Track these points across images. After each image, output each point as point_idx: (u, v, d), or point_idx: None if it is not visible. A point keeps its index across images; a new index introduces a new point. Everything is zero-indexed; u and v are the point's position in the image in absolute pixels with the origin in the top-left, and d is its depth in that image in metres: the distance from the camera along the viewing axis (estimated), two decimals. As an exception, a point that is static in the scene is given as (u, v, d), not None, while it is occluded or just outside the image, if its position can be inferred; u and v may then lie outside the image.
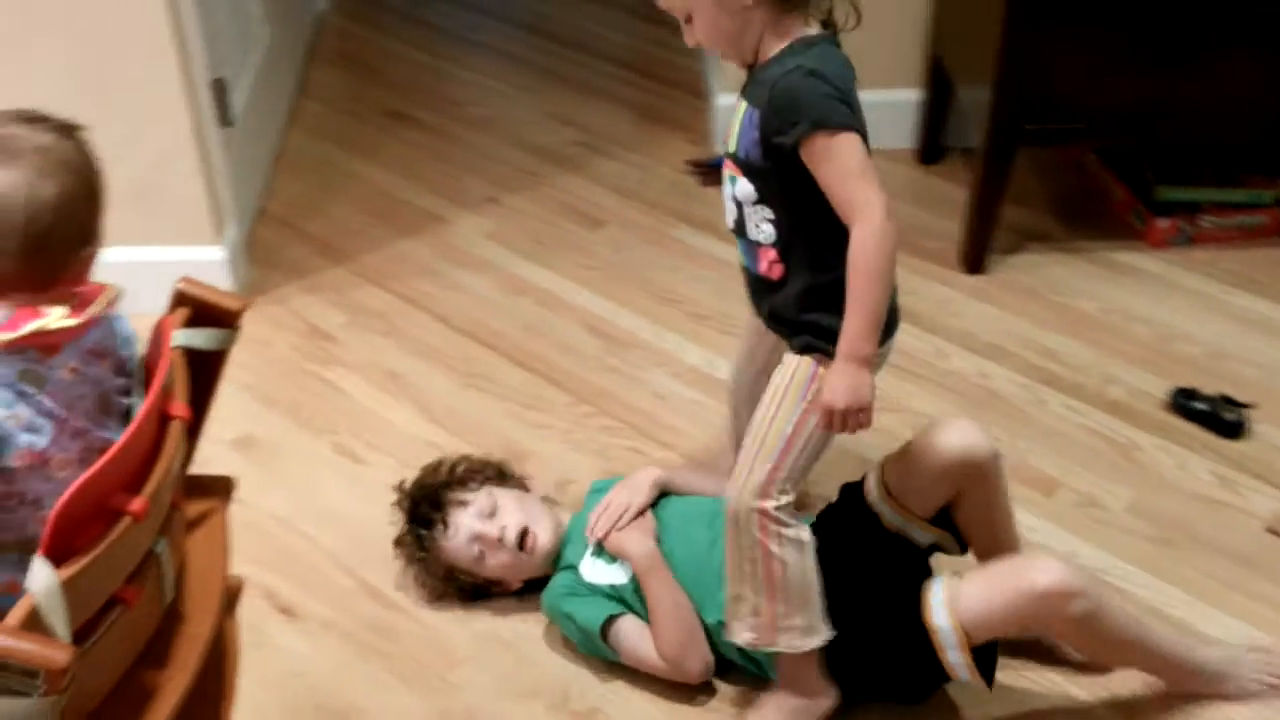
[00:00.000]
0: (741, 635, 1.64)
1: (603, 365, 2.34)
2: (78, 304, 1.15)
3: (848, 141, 1.40)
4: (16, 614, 0.96)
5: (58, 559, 1.00)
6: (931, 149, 2.89)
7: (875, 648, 1.65)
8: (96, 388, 1.18)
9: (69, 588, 0.99)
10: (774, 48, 1.45)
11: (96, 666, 1.07)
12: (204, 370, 1.27)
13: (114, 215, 2.27)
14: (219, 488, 1.35)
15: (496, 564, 1.83)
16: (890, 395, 2.25)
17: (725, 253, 2.60)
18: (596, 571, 1.80)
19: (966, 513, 1.74)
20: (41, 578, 0.98)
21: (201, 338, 1.24)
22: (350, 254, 2.62)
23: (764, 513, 1.54)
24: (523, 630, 1.85)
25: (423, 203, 2.79)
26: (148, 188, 2.32)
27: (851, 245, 1.42)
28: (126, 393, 1.21)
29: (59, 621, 0.98)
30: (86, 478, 1.01)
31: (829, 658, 1.67)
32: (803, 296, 1.53)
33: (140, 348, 1.24)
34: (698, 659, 1.73)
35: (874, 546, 1.73)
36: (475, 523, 1.82)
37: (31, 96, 2.16)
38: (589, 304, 2.49)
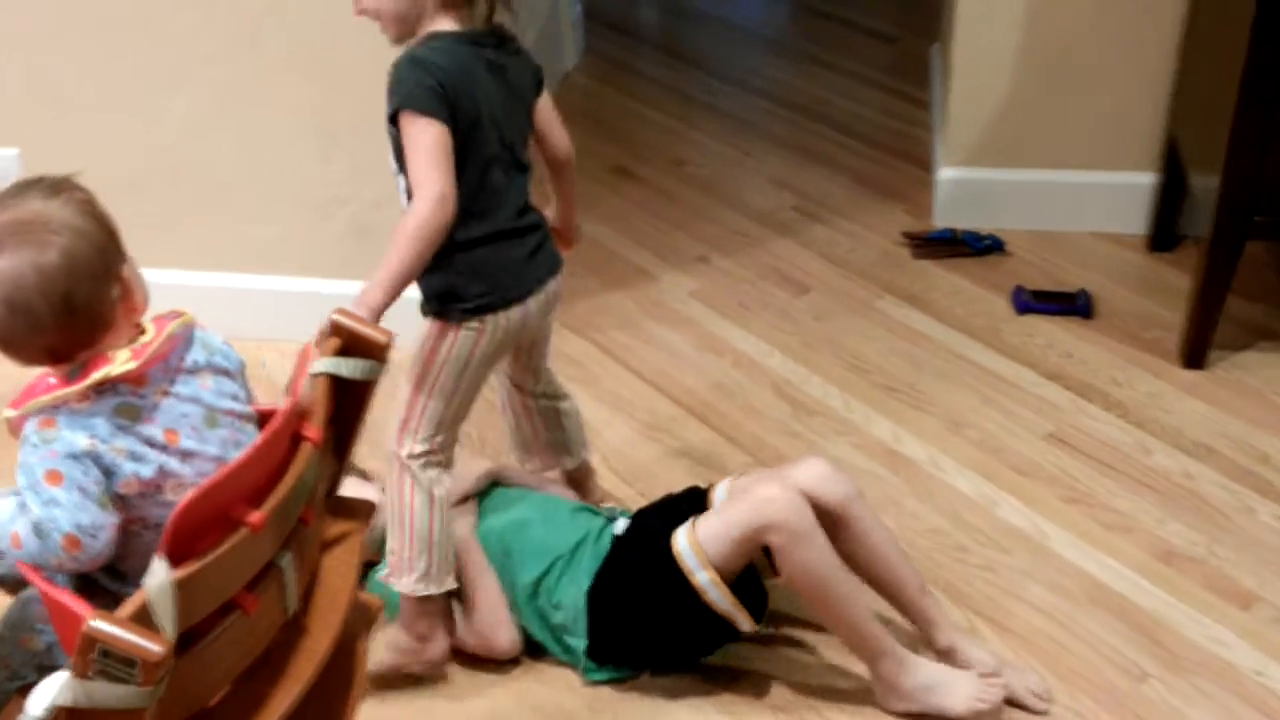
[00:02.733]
0: (381, 571, 1.82)
1: (786, 429, 2.33)
2: (140, 340, 1.23)
3: (425, 126, 1.56)
4: (128, 607, 1.04)
5: (175, 561, 1.07)
6: (1163, 236, 2.75)
7: (641, 596, 1.79)
8: (197, 405, 1.26)
9: (181, 588, 1.06)
10: (419, 35, 1.62)
11: (208, 667, 1.14)
12: (354, 398, 1.33)
13: (336, 248, 2.45)
14: (361, 511, 1.42)
15: None
16: (1082, 486, 2.15)
17: (927, 327, 2.57)
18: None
19: (845, 552, 1.77)
20: (157, 575, 1.06)
21: (347, 367, 1.30)
22: (557, 302, 2.71)
23: (397, 458, 1.75)
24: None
25: (634, 257, 2.85)
26: (369, 226, 2.46)
27: (405, 212, 1.58)
28: (235, 398, 1.30)
29: (167, 619, 1.05)
30: (204, 488, 1.09)
31: (624, 632, 1.81)
32: None
33: (274, 368, 1.32)
34: (505, 636, 1.86)
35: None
36: None
37: (263, 134, 2.38)
38: (781, 367, 2.49)
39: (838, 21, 3.98)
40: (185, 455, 1.24)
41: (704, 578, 1.73)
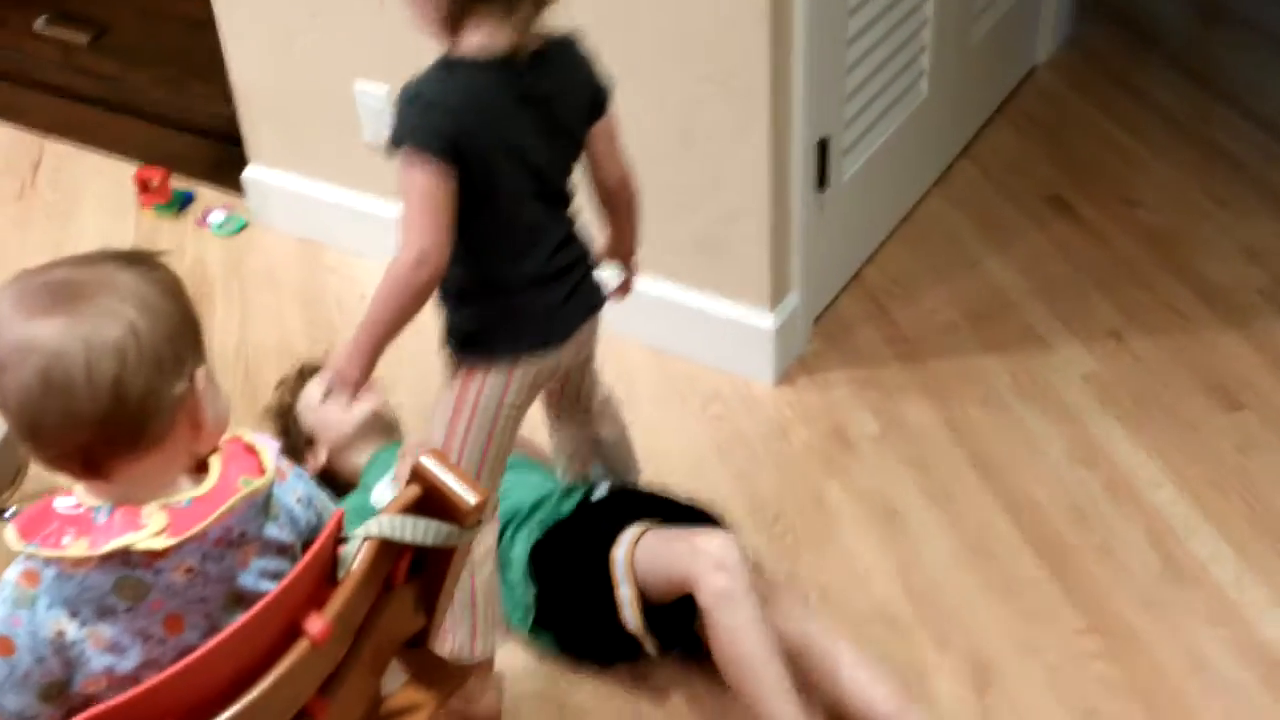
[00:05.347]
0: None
1: (1144, 596, 1.83)
2: (191, 491, 0.99)
3: (419, 173, 1.40)
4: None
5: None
6: None
7: (571, 578, 1.73)
8: (225, 585, 1.01)
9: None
10: (441, 48, 1.44)
11: None
12: (438, 553, 1.06)
13: (677, 256, 2.18)
14: (449, 681, 1.14)
15: (319, 415, 1.98)
16: None
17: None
18: (384, 499, 1.78)
19: (711, 641, 1.63)
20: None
21: (412, 529, 1.02)
22: (921, 353, 2.29)
23: None
24: None
25: (1030, 314, 2.37)
26: (712, 240, 2.17)
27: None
28: (278, 576, 1.03)
29: None
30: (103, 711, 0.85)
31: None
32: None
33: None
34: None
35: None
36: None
37: (630, 120, 2.12)
38: (1168, 506, 1.96)
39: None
40: (182, 650, 0.98)
41: (624, 593, 1.67)
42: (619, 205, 1.67)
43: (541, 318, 1.55)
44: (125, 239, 2.72)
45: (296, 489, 1.08)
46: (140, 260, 1.01)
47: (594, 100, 1.56)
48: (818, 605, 1.85)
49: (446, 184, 1.40)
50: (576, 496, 1.83)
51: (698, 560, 1.62)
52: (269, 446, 1.04)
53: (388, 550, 1.02)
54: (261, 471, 1.02)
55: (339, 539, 1.03)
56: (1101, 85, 3.07)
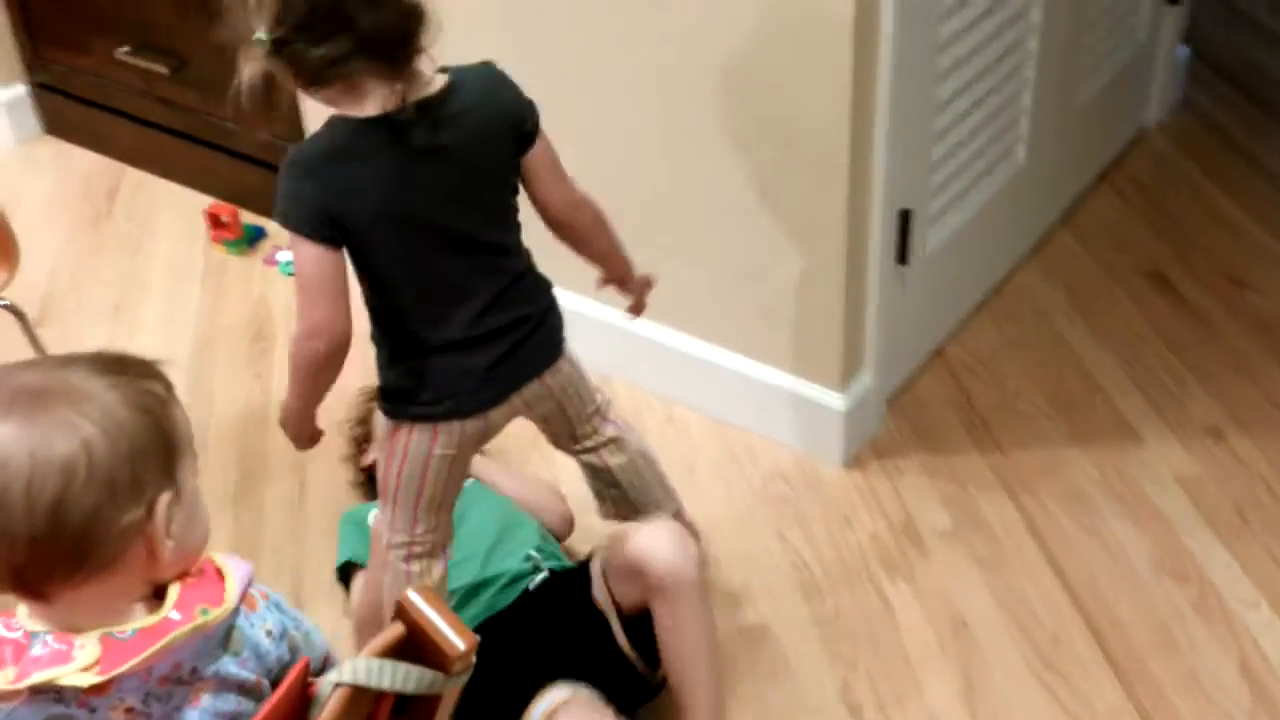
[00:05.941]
0: None
1: (1232, 731, 1.68)
2: (142, 619, 0.89)
3: (299, 249, 1.37)
4: None
5: None
6: None
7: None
8: None
9: None
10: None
11: None
12: (425, 704, 0.96)
13: (743, 325, 2.06)
14: None
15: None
16: None
17: None
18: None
19: (658, 630, 1.61)
20: None
21: (391, 674, 0.92)
22: (1001, 440, 2.15)
23: (380, 542, 1.60)
24: None
25: (1122, 403, 2.21)
26: (778, 309, 2.06)
27: None
28: (237, 717, 0.94)
29: None
30: None
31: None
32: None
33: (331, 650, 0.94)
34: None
35: (574, 615, 1.67)
36: None
37: (695, 187, 2.02)
38: (1266, 630, 1.80)
39: None
40: None
41: (599, 592, 1.65)
42: (579, 232, 1.58)
43: (461, 384, 1.48)
44: (193, 272, 2.69)
45: (267, 621, 0.98)
46: (125, 369, 0.93)
47: (516, 131, 1.46)
48: (870, 715, 1.72)
49: (328, 257, 1.37)
50: (521, 585, 1.74)
51: (642, 545, 1.60)
52: (237, 573, 0.95)
53: (363, 694, 0.93)
54: (222, 601, 0.92)
55: (308, 678, 0.94)
56: (1214, 152, 2.89)
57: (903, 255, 2.08)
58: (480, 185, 1.44)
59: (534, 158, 1.48)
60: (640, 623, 1.64)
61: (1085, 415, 2.19)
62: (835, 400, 2.07)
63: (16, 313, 1.87)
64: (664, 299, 2.17)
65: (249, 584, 0.96)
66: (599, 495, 1.72)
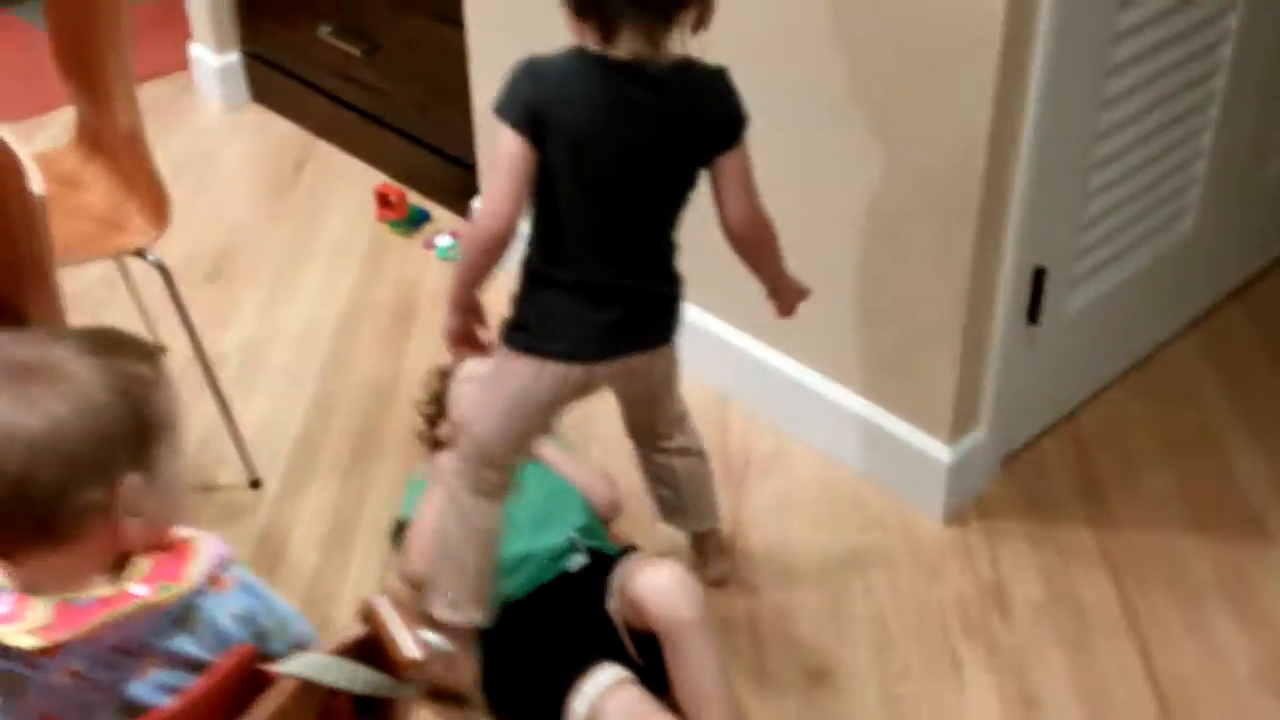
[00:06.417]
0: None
1: None
2: (108, 585, 0.92)
3: (504, 137, 1.47)
4: None
5: None
6: None
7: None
8: (113, 694, 0.94)
9: None
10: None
11: None
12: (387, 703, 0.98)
13: (861, 365, 2.04)
14: None
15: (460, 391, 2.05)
16: None
17: None
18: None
19: (667, 666, 1.64)
20: None
21: (338, 672, 0.93)
22: (1116, 518, 2.05)
23: (449, 470, 1.68)
24: None
25: (1258, 500, 2.08)
26: (899, 357, 2.02)
27: None
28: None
29: None
30: None
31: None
32: None
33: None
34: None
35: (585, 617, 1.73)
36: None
37: (824, 217, 2.00)
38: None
39: None
40: None
41: (612, 604, 1.69)
42: (747, 247, 1.64)
43: (579, 330, 1.57)
44: (356, 247, 2.80)
45: (233, 605, 1.00)
46: (114, 349, 0.97)
47: (721, 131, 1.53)
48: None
49: (523, 149, 1.46)
50: (561, 564, 1.80)
51: (654, 586, 1.64)
52: (208, 554, 0.99)
53: (314, 688, 0.95)
54: (180, 580, 0.96)
55: (258, 665, 0.97)
56: None
57: (1034, 314, 2.01)
58: (670, 160, 1.53)
59: (728, 161, 1.55)
60: (652, 641, 1.67)
61: (1214, 506, 2.07)
62: (942, 452, 2.02)
63: (162, 270, 1.99)
64: (785, 326, 2.16)
65: (222, 566, 1.00)
66: (652, 493, 1.84)
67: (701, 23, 1.46)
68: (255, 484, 2.17)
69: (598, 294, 1.55)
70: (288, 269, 2.74)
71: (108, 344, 0.98)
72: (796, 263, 2.07)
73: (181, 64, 3.40)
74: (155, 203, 1.94)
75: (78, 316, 2.57)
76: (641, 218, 1.55)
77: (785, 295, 1.74)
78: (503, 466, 1.65)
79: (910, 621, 1.90)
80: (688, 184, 1.57)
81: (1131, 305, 2.24)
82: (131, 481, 0.95)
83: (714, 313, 2.27)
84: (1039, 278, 1.98)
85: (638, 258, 1.57)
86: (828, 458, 2.18)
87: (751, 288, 2.18)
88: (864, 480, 2.14)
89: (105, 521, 0.95)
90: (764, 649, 1.86)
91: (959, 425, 2.01)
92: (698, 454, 1.82)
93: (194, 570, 0.97)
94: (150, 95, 3.37)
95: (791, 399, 2.20)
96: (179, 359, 2.19)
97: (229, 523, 2.10)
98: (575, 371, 1.58)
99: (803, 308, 2.09)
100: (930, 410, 2.01)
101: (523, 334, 1.59)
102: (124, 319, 2.49)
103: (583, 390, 1.63)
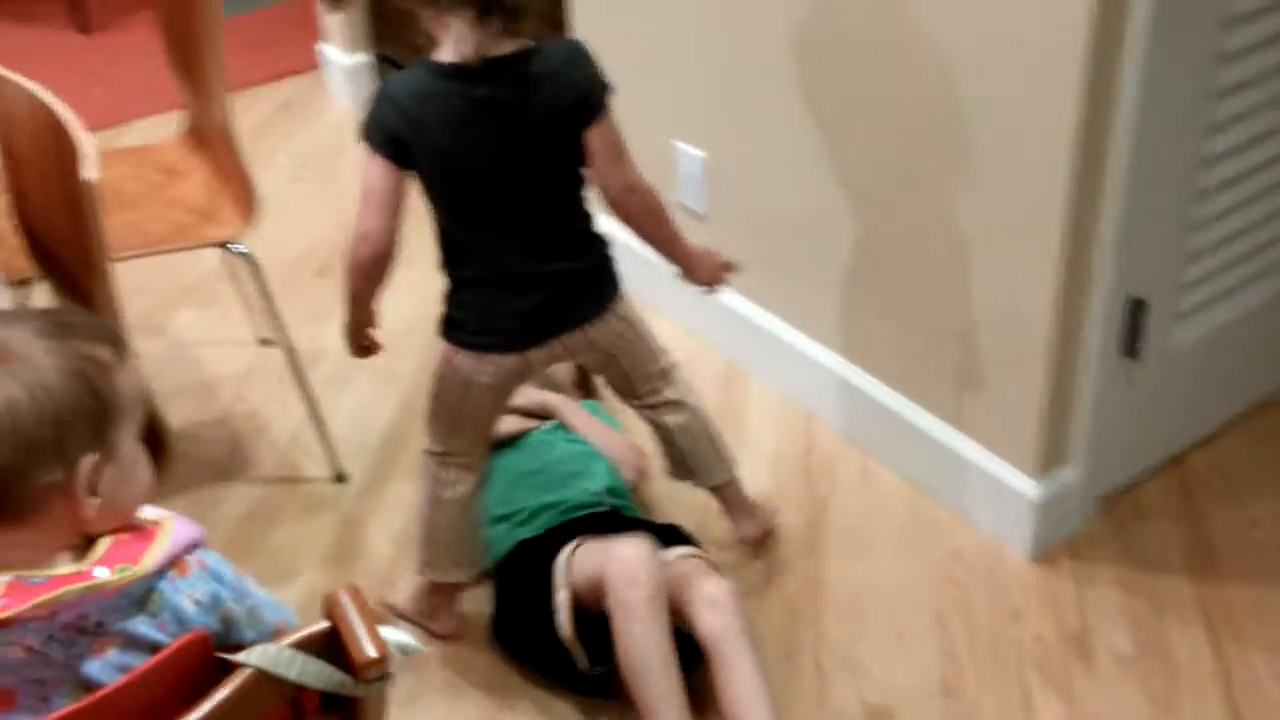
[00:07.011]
0: None
1: None
2: (69, 564, 0.92)
3: (369, 163, 1.53)
4: None
5: None
6: None
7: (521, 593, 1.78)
8: (68, 672, 0.93)
9: None
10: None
11: None
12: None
13: (944, 388, 1.97)
14: None
15: None
16: None
17: None
18: None
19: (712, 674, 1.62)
20: None
21: (299, 667, 0.91)
22: (1220, 570, 1.92)
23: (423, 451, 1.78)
24: None
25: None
26: (983, 379, 1.93)
27: None
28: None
29: None
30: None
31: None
32: None
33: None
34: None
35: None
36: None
37: (911, 237, 1.92)
38: None
39: None
40: None
41: (560, 598, 1.68)
42: (631, 218, 1.65)
43: (504, 322, 1.63)
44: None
45: (195, 589, 0.99)
46: (72, 332, 0.97)
47: (580, 108, 1.55)
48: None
49: (388, 174, 1.52)
50: (580, 514, 1.85)
51: (609, 565, 1.63)
52: (174, 538, 0.98)
53: (274, 681, 0.94)
54: (138, 562, 0.95)
55: (219, 653, 0.95)
56: None
57: (1131, 349, 1.89)
58: (541, 145, 1.55)
59: (594, 135, 1.57)
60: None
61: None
62: (1029, 488, 1.92)
63: (250, 261, 2.03)
64: (874, 348, 2.11)
65: (188, 550, 0.99)
66: (662, 453, 1.87)
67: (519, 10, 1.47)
68: (340, 478, 2.19)
69: (515, 284, 1.61)
70: (396, 267, 2.76)
71: (64, 326, 0.98)
72: (888, 284, 2.02)
73: (314, 63, 3.48)
74: (245, 196, 1.97)
75: (191, 304, 2.66)
76: (537, 208, 1.59)
77: (697, 269, 1.75)
78: (465, 448, 1.74)
79: (985, 663, 1.81)
80: (571, 163, 1.59)
81: (1245, 345, 2.10)
82: (89, 462, 0.96)
83: (797, 327, 2.22)
84: (1137, 310, 1.86)
85: (553, 241, 1.61)
86: (913, 483, 2.10)
87: (836, 303, 2.13)
88: (948, 509, 2.05)
89: (65, 502, 0.95)
90: (827, 680, 1.79)
91: (1048, 459, 1.91)
92: (689, 408, 1.82)
93: (155, 553, 0.96)
94: (284, 93, 3.48)
95: (877, 421, 2.13)
96: (279, 353, 2.22)
97: (311, 515, 2.13)
98: (510, 360, 1.65)
99: (890, 326, 2.04)
100: (1016, 442, 1.92)
101: (459, 331, 1.67)
102: (228, 311, 2.56)
103: (524, 375, 1.70)
